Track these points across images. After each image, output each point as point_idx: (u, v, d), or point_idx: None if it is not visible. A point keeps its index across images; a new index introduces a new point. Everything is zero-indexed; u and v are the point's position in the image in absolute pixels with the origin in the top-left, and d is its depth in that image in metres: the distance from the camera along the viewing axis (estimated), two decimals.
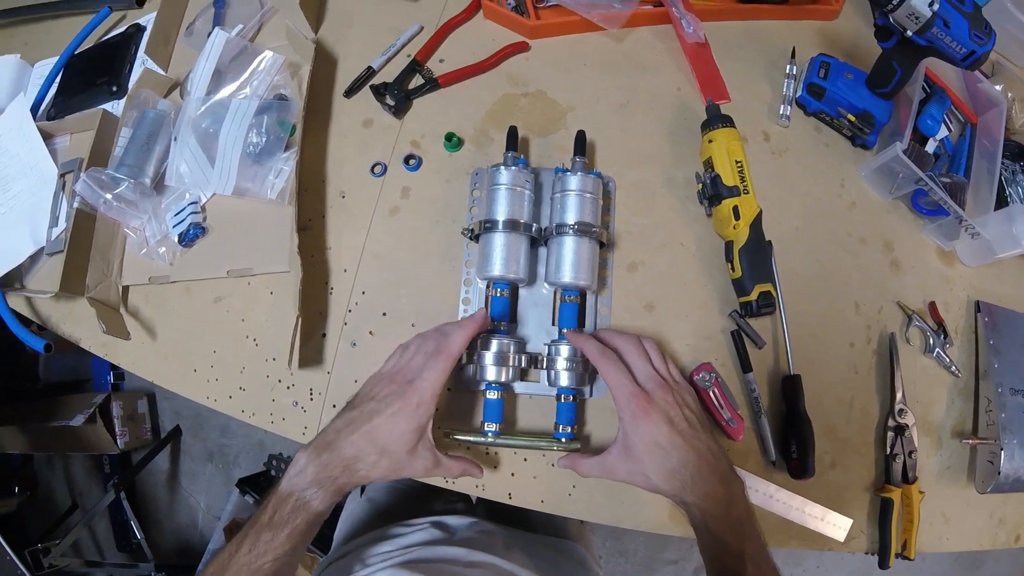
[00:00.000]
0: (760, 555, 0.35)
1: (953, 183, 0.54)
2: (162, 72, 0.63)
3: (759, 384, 0.46)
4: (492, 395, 0.42)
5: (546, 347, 0.43)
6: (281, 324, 0.49)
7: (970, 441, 0.52)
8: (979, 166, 0.58)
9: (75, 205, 0.56)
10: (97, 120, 0.59)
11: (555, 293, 0.44)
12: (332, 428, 0.37)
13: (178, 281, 0.53)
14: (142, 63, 0.69)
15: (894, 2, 0.43)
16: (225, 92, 0.58)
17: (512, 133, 0.45)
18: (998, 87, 0.63)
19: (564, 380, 0.41)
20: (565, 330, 0.42)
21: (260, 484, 1.21)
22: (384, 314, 0.47)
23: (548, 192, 0.46)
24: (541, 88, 0.50)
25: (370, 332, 0.47)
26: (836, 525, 0.47)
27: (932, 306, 0.53)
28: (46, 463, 1.43)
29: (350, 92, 0.52)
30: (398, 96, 0.50)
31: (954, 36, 0.44)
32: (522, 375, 0.44)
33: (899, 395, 0.50)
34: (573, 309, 0.43)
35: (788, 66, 0.51)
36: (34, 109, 0.65)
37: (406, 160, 0.49)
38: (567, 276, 0.42)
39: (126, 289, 0.55)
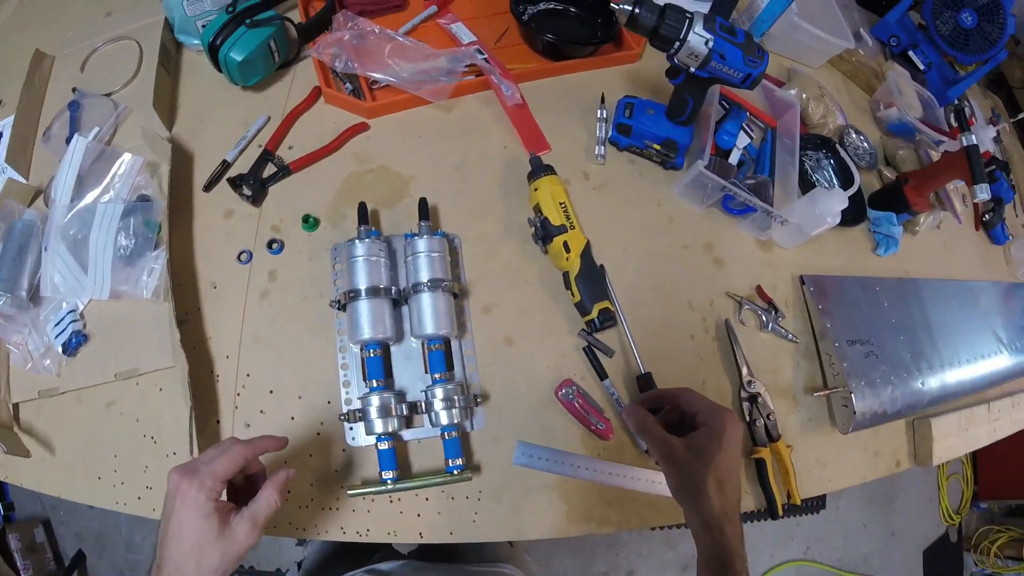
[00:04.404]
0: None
1: (757, 183, 0.72)
2: (24, 180, 0.68)
3: (617, 387, 0.59)
4: (383, 445, 0.52)
5: (423, 393, 0.54)
6: (175, 418, 0.55)
7: (821, 393, 0.67)
8: (783, 161, 0.76)
9: None
10: None
11: (422, 344, 0.56)
12: (156, 547, 0.40)
13: (67, 391, 0.58)
14: (1, 172, 0.73)
15: (675, 47, 0.57)
16: (89, 197, 0.64)
17: (362, 208, 0.57)
18: (792, 91, 0.84)
19: (444, 419, 0.52)
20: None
21: None
22: (271, 391, 0.56)
23: (401, 256, 0.57)
24: (384, 163, 0.62)
25: (261, 411, 0.56)
26: None
27: (759, 289, 0.69)
28: None
29: (209, 186, 0.62)
30: (254, 185, 0.60)
31: (731, 64, 0.58)
32: (407, 423, 0.55)
33: (744, 370, 0.66)
34: (440, 356, 0.54)
35: (599, 110, 0.67)
36: None
37: (269, 245, 0.59)
38: (429, 328, 0.54)
39: (16, 406, 0.58)
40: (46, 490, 0.57)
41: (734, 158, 0.72)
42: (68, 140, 0.70)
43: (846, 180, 0.81)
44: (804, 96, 0.84)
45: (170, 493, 0.40)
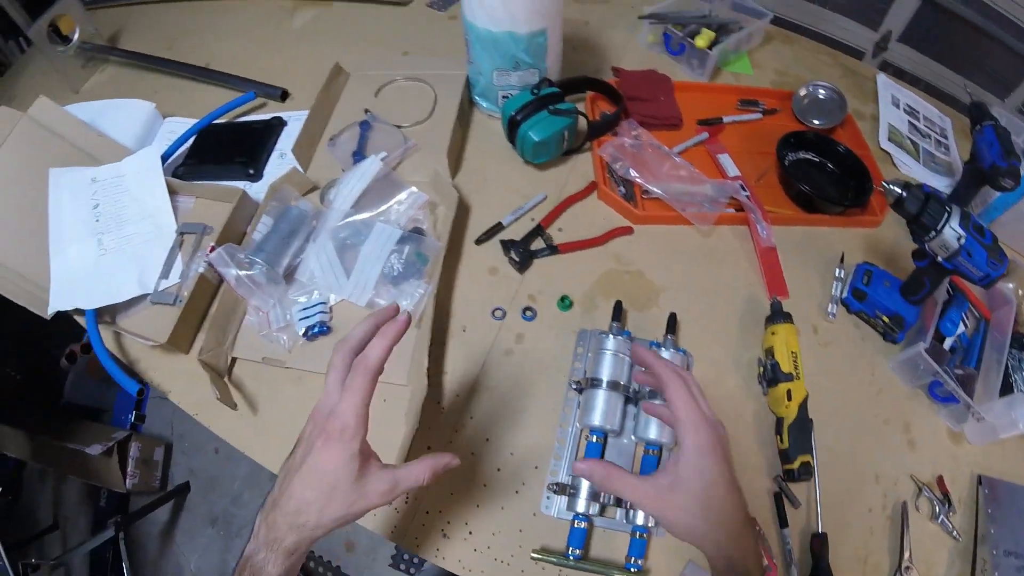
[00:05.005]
0: None
1: (965, 374, 0.73)
2: (302, 172, 0.78)
3: (792, 538, 0.62)
4: (580, 524, 0.58)
5: None
6: (389, 430, 0.61)
7: None
8: (989, 357, 0.77)
9: (200, 270, 0.69)
10: (236, 198, 0.72)
11: (637, 446, 0.61)
12: (275, 483, 0.39)
13: (292, 368, 0.66)
14: (280, 156, 0.85)
15: (930, 235, 0.61)
16: (366, 213, 0.74)
17: (617, 307, 0.64)
18: (1011, 285, 0.84)
19: (640, 519, 0.58)
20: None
21: None
22: (487, 439, 0.62)
23: None
24: (640, 268, 0.68)
25: (472, 453, 0.62)
26: None
27: (940, 479, 0.70)
28: (38, 476, 1.52)
29: (481, 241, 0.71)
30: (523, 254, 0.68)
31: (975, 263, 0.62)
32: (602, 511, 0.60)
33: (907, 555, 0.67)
34: (654, 462, 0.60)
35: (837, 269, 0.71)
36: (162, 161, 0.76)
37: (523, 311, 0.67)
38: (653, 434, 0.59)
39: (233, 360, 0.66)
40: (235, 443, 0.63)
41: (948, 345, 0.73)
42: (354, 153, 0.81)
43: None
44: (1021, 292, 0.84)
45: (312, 433, 0.39)
